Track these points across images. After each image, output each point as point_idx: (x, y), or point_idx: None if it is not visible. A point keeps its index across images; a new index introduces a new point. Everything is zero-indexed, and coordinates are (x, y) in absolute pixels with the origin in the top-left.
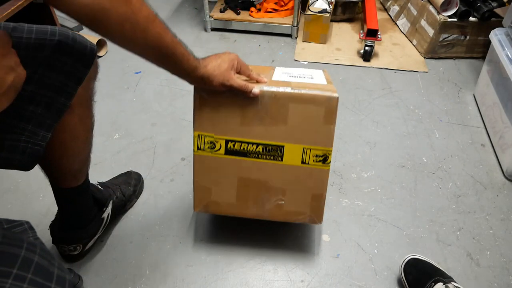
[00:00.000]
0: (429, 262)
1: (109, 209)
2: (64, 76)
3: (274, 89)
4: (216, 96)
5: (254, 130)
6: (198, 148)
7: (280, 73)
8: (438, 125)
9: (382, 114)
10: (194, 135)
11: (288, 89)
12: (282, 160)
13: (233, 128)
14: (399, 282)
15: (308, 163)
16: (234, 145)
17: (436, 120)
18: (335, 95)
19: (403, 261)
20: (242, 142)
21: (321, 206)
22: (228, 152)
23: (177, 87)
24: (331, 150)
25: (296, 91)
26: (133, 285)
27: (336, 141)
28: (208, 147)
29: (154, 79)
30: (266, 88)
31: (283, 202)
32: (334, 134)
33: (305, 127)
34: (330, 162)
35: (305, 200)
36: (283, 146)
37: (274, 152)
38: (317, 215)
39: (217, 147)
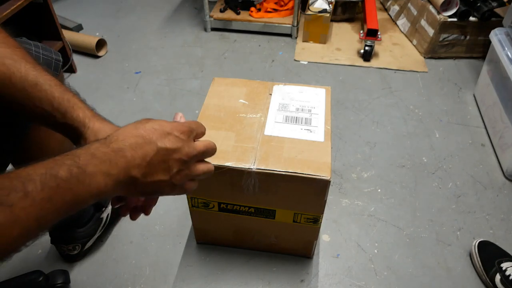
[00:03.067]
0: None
1: (108, 209)
2: None
3: (264, 168)
4: None
5: (246, 198)
6: (192, 206)
7: (277, 105)
8: (438, 125)
9: (382, 114)
10: (187, 197)
11: (279, 169)
12: (274, 218)
13: (224, 195)
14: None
15: (300, 222)
16: (227, 206)
17: (436, 120)
18: (327, 177)
19: (476, 242)
20: (234, 204)
21: (312, 247)
22: (221, 209)
23: (177, 87)
24: (322, 215)
25: (287, 173)
26: (133, 285)
27: (336, 141)
28: (202, 206)
29: (154, 79)
30: (255, 167)
31: (276, 241)
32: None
33: (296, 198)
34: (321, 221)
35: (296, 243)
36: (274, 210)
37: (266, 213)
38: (308, 252)
39: (211, 206)
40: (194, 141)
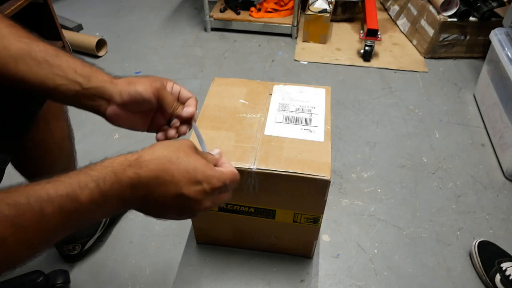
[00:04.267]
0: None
1: None
2: (26, 97)
3: (264, 168)
4: None
5: (246, 198)
6: None
7: (277, 105)
8: (438, 125)
9: (382, 114)
10: None
11: (279, 169)
12: (274, 218)
13: None
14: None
15: (300, 222)
16: (227, 206)
17: (436, 120)
18: (327, 177)
19: (476, 242)
20: (234, 204)
21: (312, 247)
22: (221, 209)
23: None
24: (322, 215)
25: (287, 173)
26: (133, 285)
27: (336, 141)
28: None
29: None
30: (255, 167)
31: (276, 241)
32: (329, 188)
33: (296, 198)
34: (321, 221)
35: (296, 243)
36: (274, 210)
37: (266, 213)
38: (308, 252)
39: None
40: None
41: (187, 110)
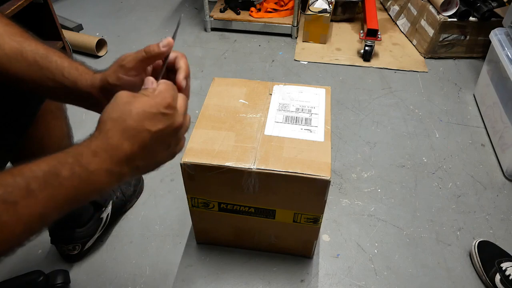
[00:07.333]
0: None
1: (108, 209)
2: (25, 96)
3: (264, 168)
4: (204, 172)
5: (246, 198)
6: (192, 206)
7: (277, 105)
8: (438, 125)
9: (382, 114)
10: (187, 197)
11: (279, 169)
12: (274, 218)
13: (225, 195)
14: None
15: (300, 222)
16: (227, 206)
17: (436, 120)
18: (327, 177)
19: (476, 242)
20: (234, 204)
21: (312, 247)
22: (221, 209)
23: None
24: (322, 215)
25: (287, 173)
26: (133, 285)
27: (336, 141)
28: (202, 206)
29: None
30: (255, 167)
31: (276, 241)
32: (329, 188)
33: (296, 198)
34: (321, 221)
35: (296, 243)
36: (274, 210)
37: (266, 213)
38: (308, 252)
39: (211, 206)
40: None
41: (162, 43)
